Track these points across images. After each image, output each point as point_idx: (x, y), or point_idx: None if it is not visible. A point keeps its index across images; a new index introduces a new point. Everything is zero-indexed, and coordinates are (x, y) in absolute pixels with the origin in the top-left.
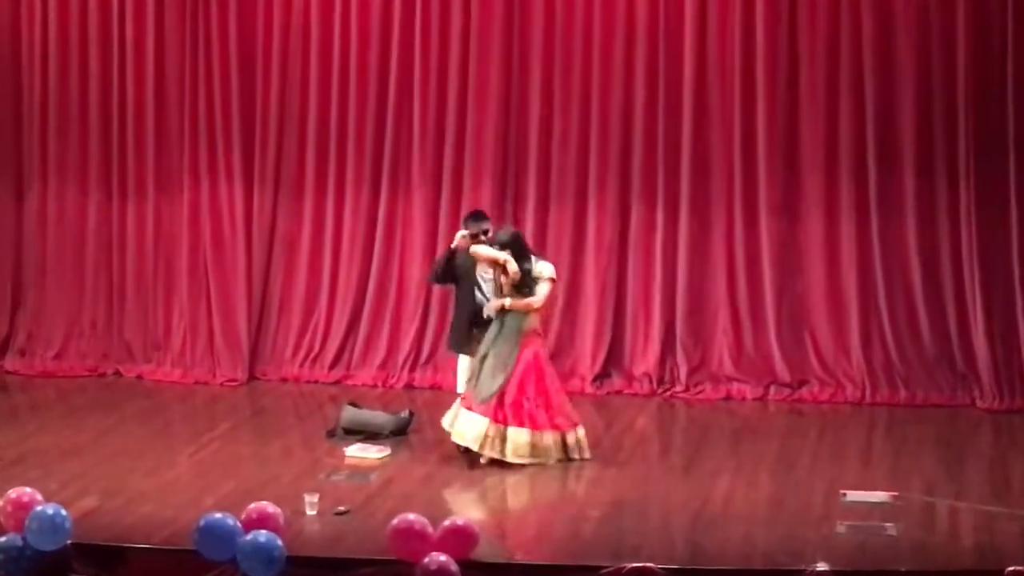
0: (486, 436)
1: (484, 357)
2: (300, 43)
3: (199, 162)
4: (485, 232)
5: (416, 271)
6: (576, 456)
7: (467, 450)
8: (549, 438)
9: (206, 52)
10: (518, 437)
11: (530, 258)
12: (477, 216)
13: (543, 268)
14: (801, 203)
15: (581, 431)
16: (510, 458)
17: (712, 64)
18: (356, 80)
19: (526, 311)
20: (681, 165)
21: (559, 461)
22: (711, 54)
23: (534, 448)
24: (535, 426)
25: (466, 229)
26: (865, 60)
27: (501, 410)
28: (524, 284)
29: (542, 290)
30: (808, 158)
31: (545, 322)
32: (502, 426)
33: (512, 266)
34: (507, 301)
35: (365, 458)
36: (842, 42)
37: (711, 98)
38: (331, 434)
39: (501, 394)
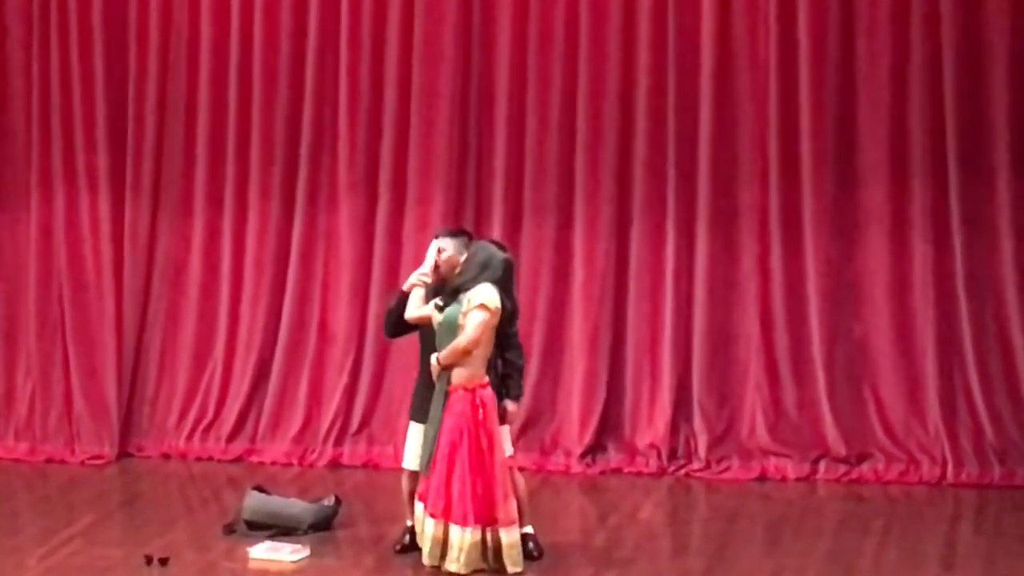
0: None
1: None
2: (186, 9)
3: (51, 168)
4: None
5: (343, 309)
6: (505, 566)
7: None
8: (465, 535)
9: (60, 24)
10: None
11: (473, 274)
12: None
13: (476, 292)
14: (858, 219)
15: (514, 534)
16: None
17: (739, 38)
18: (261, 58)
19: (454, 359)
20: (698, 168)
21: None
22: (737, 25)
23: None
24: (444, 517)
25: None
26: (944, 32)
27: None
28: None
29: (471, 323)
30: (867, 160)
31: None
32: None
33: (436, 316)
34: (434, 357)
35: (276, 560)
36: (912, 9)
37: (738, 81)
38: (230, 529)
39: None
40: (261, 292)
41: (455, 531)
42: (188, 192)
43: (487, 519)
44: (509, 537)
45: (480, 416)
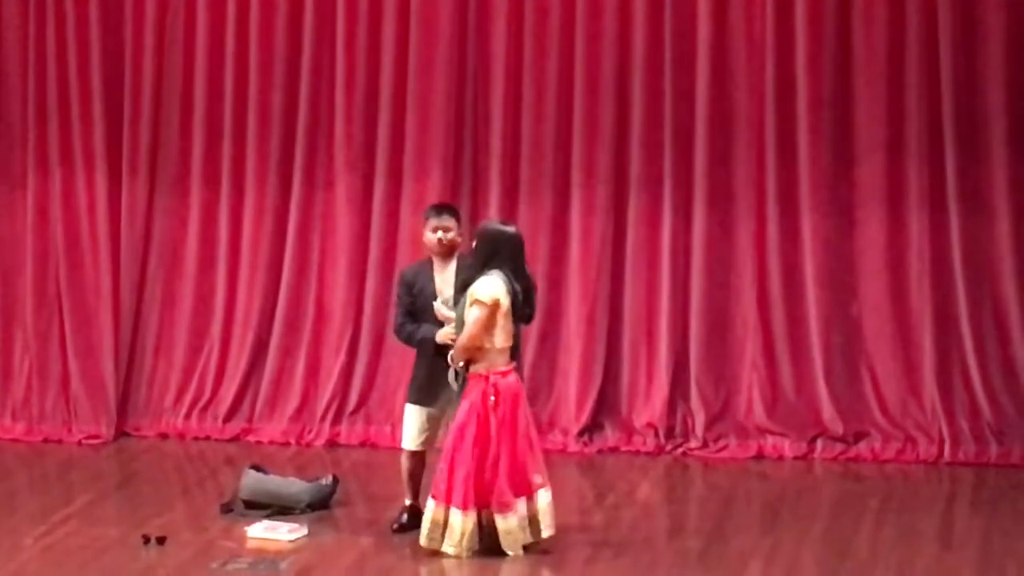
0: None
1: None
2: None
3: (48, 147)
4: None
5: (341, 290)
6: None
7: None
8: (464, 519)
9: (56, 2)
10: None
11: (482, 267)
12: (428, 210)
13: (475, 286)
14: (854, 197)
15: (511, 520)
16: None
17: (735, 17)
18: (258, 37)
19: (462, 356)
20: (695, 144)
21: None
22: (733, 3)
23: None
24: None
25: (425, 226)
26: (940, 10)
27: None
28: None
29: (468, 320)
30: (864, 136)
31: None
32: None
33: (449, 315)
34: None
35: (274, 540)
36: None
37: (735, 60)
38: (227, 508)
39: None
40: (258, 271)
41: (455, 515)
42: (185, 171)
43: (485, 503)
44: (505, 523)
45: (491, 403)
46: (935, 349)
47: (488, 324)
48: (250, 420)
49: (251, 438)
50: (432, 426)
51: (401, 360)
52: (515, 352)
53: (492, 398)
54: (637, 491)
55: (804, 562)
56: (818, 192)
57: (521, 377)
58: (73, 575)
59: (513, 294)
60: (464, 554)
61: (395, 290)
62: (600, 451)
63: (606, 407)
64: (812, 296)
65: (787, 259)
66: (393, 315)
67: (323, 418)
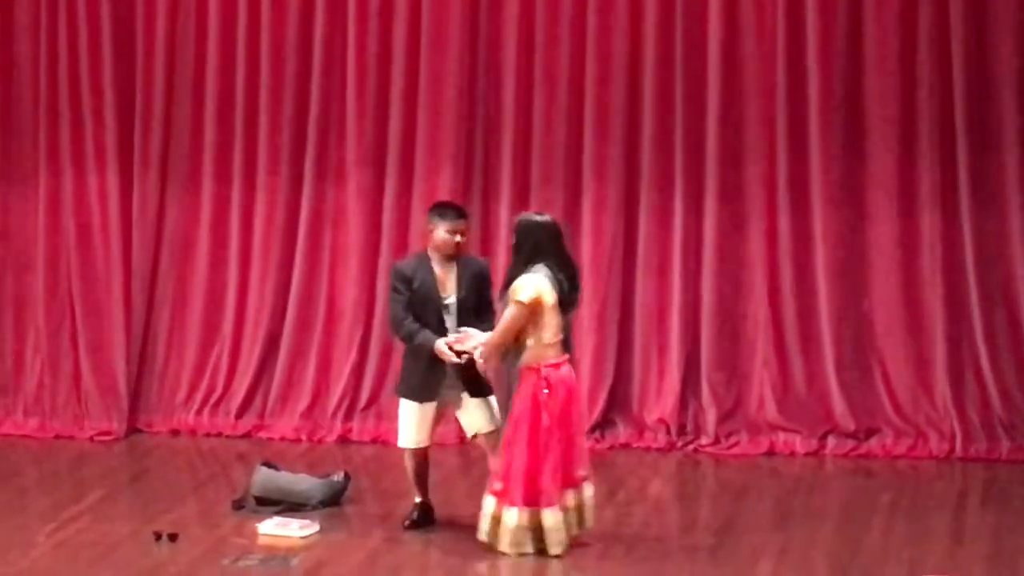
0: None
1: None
2: None
3: (59, 143)
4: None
5: (352, 286)
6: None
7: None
8: (514, 516)
9: None
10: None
11: (525, 262)
12: (442, 209)
13: (515, 286)
14: (866, 192)
15: (557, 515)
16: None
17: (746, 12)
18: (269, 32)
19: (490, 353)
20: (706, 141)
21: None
22: None
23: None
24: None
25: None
26: (952, 4)
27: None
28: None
29: (503, 317)
30: (876, 132)
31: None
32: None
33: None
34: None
35: (285, 536)
36: None
37: (745, 51)
38: (239, 505)
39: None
40: (269, 267)
41: (507, 512)
42: (196, 167)
43: (535, 501)
44: (551, 519)
45: (543, 396)
46: (947, 345)
47: (534, 321)
48: (262, 416)
49: (263, 434)
50: (431, 421)
51: None
52: (567, 345)
53: (545, 391)
54: (648, 487)
55: (815, 558)
56: (830, 188)
57: (575, 369)
58: (84, 571)
59: (559, 288)
60: (508, 551)
61: (390, 283)
62: (612, 447)
63: (617, 403)
64: (823, 292)
65: (798, 255)
66: (390, 308)
67: (335, 414)
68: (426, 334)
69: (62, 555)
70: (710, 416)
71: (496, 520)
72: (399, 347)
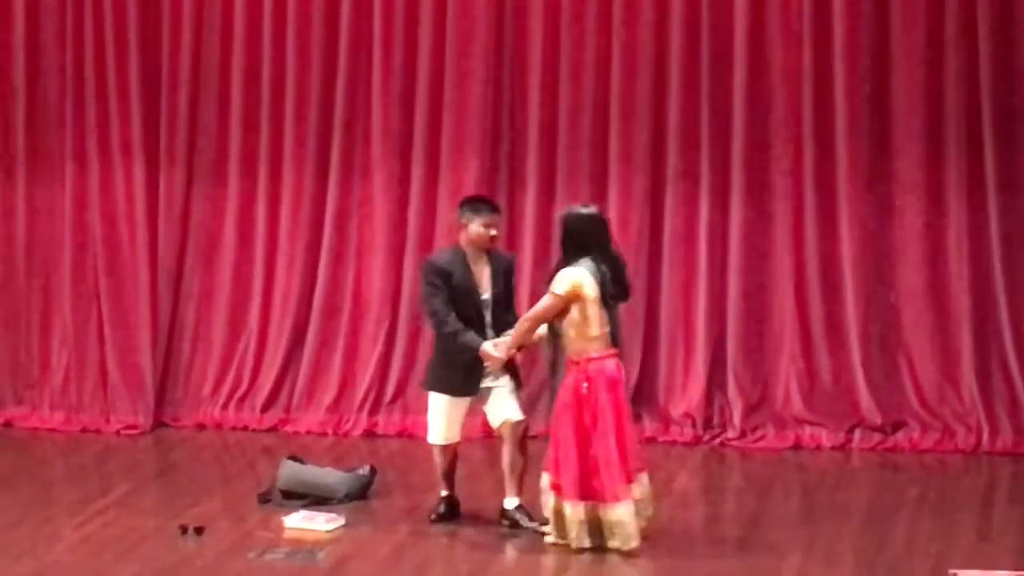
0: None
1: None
2: None
3: (86, 138)
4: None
5: (378, 279)
6: (608, 543)
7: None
8: (574, 510)
9: None
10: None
11: (571, 256)
12: (477, 204)
13: (557, 277)
14: (893, 186)
15: (621, 509)
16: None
17: (772, 5)
18: (295, 26)
19: (519, 339)
20: (732, 135)
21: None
22: None
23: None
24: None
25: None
26: None
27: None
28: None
29: (539, 304)
30: (903, 127)
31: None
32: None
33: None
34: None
35: (311, 530)
36: None
37: (772, 44)
38: (265, 498)
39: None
40: (295, 261)
41: (566, 506)
42: (222, 161)
43: (591, 495)
44: (613, 513)
45: (583, 390)
46: (973, 339)
47: (579, 313)
48: (288, 410)
49: (288, 428)
50: (463, 417)
51: None
52: (614, 338)
53: (585, 384)
54: (675, 481)
55: (842, 552)
56: (856, 182)
57: (622, 362)
58: (111, 565)
59: (602, 281)
60: (573, 544)
61: (426, 278)
62: (638, 441)
63: (643, 397)
64: (850, 286)
65: (825, 249)
66: (429, 303)
67: (360, 408)
68: (471, 335)
69: (88, 549)
70: (736, 410)
71: (560, 514)
72: (426, 340)
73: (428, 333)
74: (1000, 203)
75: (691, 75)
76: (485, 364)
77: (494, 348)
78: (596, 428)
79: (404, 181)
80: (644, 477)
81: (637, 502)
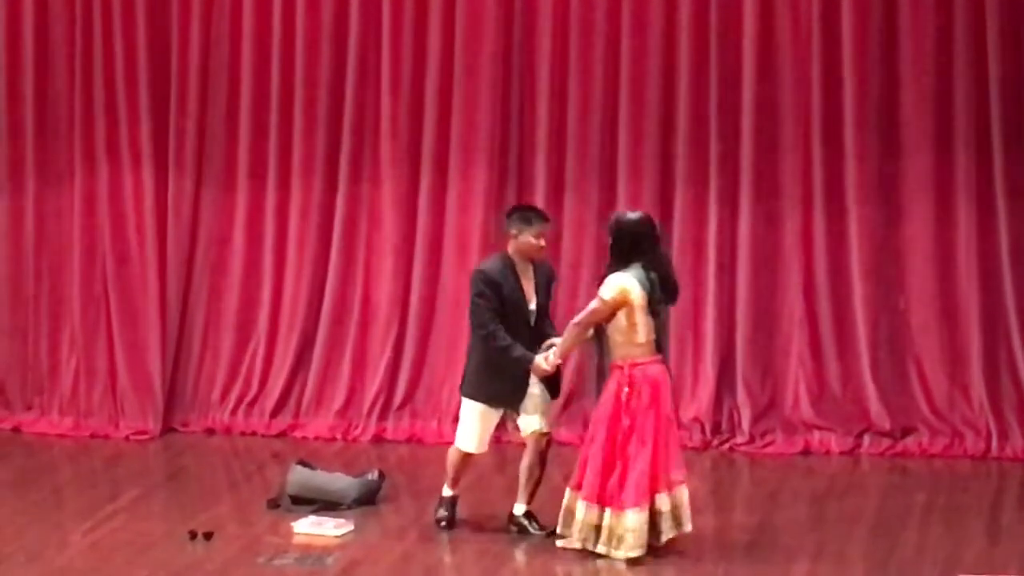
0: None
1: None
2: None
3: (95, 142)
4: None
5: (387, 285)
6: (607, 549)
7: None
8: (583, 510)
9: None
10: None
11: (620, 263)
12: (527, 214)
13: (607, 281)
14: (902, 190)
15: (631, 517)
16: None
17: (781, 9)
18: (304, 31)
19: (566, 346)
20: (741, 138)
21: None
22: None
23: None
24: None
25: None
26: (988, 1)
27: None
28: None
29: (585, 309)
30: (912, 130)
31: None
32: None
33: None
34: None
35: (320, 535)
36: None
37: (780, 48)
38: (274, 504)
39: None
40: (304, 266)
41: (579, 505)
42: (231, 166)
43: (606, 500)
44: (623, 520)
45: (623, 395)
46: (983, 343)
47: (627, 319)
48: (296, 415)
49: (297, 433)
50: (494, 426)
51: (447, 355)
52: (660, 345)
53: (626, 389)
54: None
55: (851, 557)
56: (865, 186)
57: (668, 369)
58: (120, 570)
59: (649, 288)
60: (579, 545)
61: (476, 287)
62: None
63: None
64: (859, 290)
65: (834, 253)
66: (478, 315)
67: (369, 413)
68: (522, 350)
69: (97, 554)
70: (745, 415)
71: (570, 512)
72: (434, 346)
73: (437, 339)
74: (1009, 208)
75: (700, 80)
76: (531, 378)
77: (544, 361)
78: (633, 434)
79: (413, 187)
80: (684, 489)
81: (665, 513)
